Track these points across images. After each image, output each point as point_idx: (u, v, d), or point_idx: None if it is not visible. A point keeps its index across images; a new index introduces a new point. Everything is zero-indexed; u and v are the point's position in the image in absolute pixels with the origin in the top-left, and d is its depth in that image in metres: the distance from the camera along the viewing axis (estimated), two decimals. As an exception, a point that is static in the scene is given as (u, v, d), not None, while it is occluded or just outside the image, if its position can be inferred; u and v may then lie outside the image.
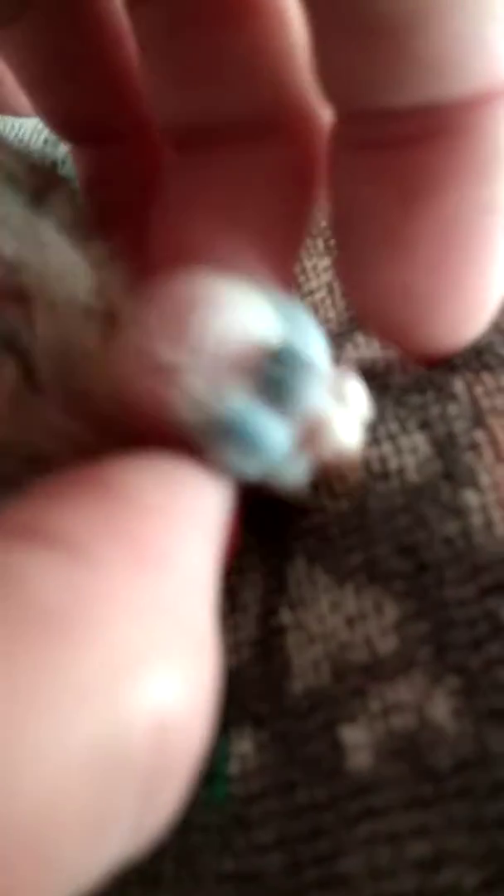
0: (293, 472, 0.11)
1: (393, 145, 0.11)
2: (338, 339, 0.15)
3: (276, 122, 0.12)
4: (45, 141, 0.24)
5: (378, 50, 0.09)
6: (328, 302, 0.16)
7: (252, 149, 0.12)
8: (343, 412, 0.10)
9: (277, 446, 0.10)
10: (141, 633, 0.07)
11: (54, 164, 0.19)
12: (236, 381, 0.10)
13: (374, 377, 0.14)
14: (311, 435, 0.10)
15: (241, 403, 0.10)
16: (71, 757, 0.06)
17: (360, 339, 0.15)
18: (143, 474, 0.09)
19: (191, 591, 0.08)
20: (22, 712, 0.06)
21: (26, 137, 0.24)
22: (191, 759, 0.08)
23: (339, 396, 0.10)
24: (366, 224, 0.12)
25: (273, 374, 0.10)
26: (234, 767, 0.12)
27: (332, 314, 0.16)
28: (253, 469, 0.10)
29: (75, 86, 0.14)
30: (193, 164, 0.13)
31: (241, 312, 0.10)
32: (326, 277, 0.17)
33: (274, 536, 0.13)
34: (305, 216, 0.13)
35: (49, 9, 0.13)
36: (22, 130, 0.25)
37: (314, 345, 0.11)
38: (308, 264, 0.17)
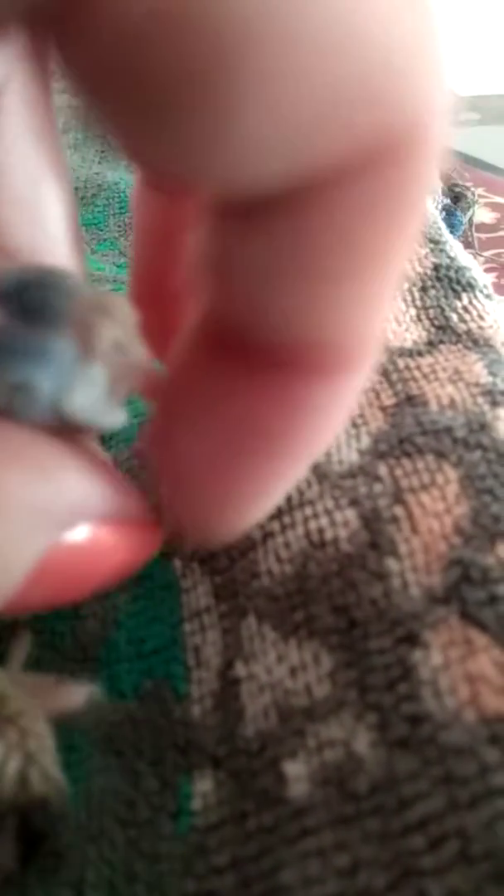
0: (95, 402, 0.11)
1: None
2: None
3: None
4: None
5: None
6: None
7: None
8: (108, 321, 0.10)
9: (49, 358, 0.10)
10: None
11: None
12: None
13: (316, 466, 0.16)
14: (82, 339, 0.10)
15: None
16: None
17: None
18: None
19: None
20: None
21: None
22: None
23: (101, 309, 0.10)
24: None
25: (17, 295, 0.10)
26: (196, 804, 0.14)
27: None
28: (44, 391, 0.10)
29: None
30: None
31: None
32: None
33: (229, 598, 0.16)
34: None
35: None
36: None
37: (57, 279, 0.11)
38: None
